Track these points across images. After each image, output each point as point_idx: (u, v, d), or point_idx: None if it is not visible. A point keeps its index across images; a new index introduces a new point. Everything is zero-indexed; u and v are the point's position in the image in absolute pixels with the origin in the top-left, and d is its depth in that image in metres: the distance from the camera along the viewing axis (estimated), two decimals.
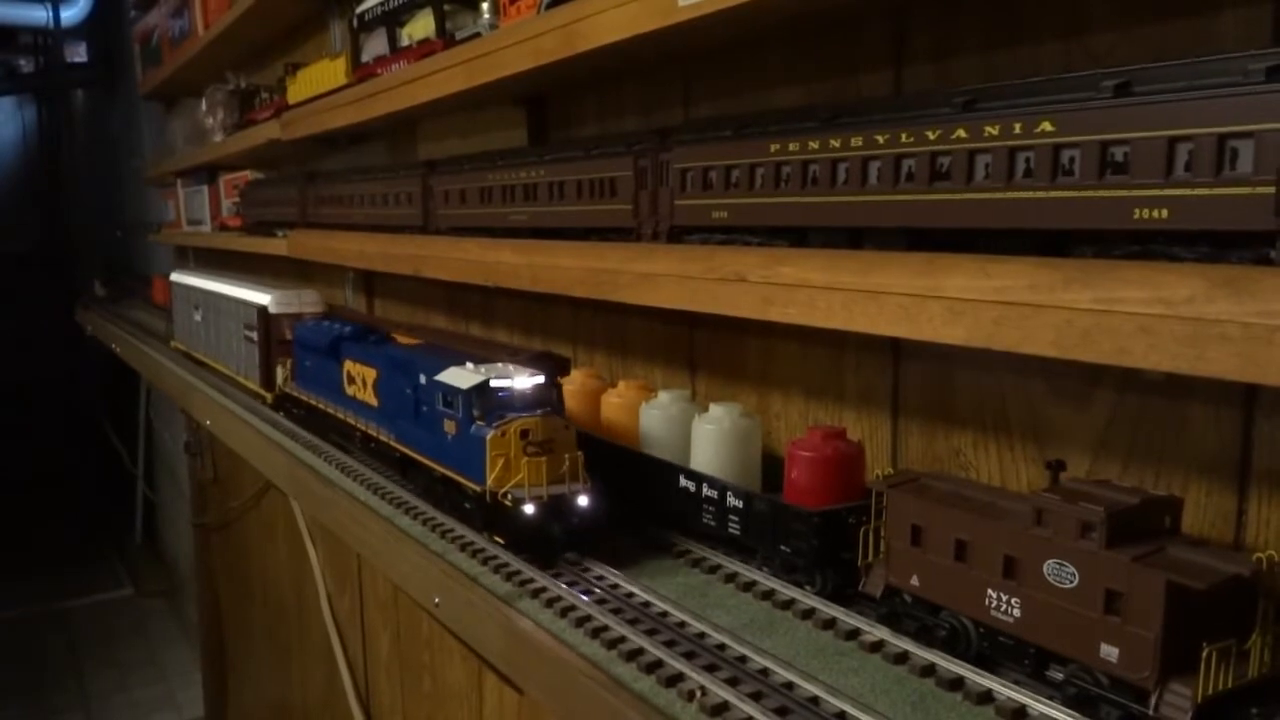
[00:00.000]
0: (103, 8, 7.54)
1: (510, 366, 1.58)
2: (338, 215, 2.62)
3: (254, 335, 2.69)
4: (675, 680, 1.09)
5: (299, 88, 2.88)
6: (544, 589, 1.36)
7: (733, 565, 1.39)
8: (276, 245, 3.08)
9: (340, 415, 2.10)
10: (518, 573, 1.42)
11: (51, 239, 8.19)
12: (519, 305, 2.35)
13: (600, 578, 1.40)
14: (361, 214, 2.46)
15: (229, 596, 4.41)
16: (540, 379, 1.52)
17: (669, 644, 1.17)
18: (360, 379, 1.99)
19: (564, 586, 1.36)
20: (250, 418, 2.61)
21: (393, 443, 1.83)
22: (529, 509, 1.40)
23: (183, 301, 3.61)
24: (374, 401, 1.93)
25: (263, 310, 2.63)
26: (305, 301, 2.67)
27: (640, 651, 1.16)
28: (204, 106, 3.95)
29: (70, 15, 7.63)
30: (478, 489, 1.48)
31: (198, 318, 3.39)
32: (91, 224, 7.99)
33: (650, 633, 1.21)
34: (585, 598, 1.32)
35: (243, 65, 3.96)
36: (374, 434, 1.92)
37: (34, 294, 8.00)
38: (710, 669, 1.11)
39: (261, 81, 3.68)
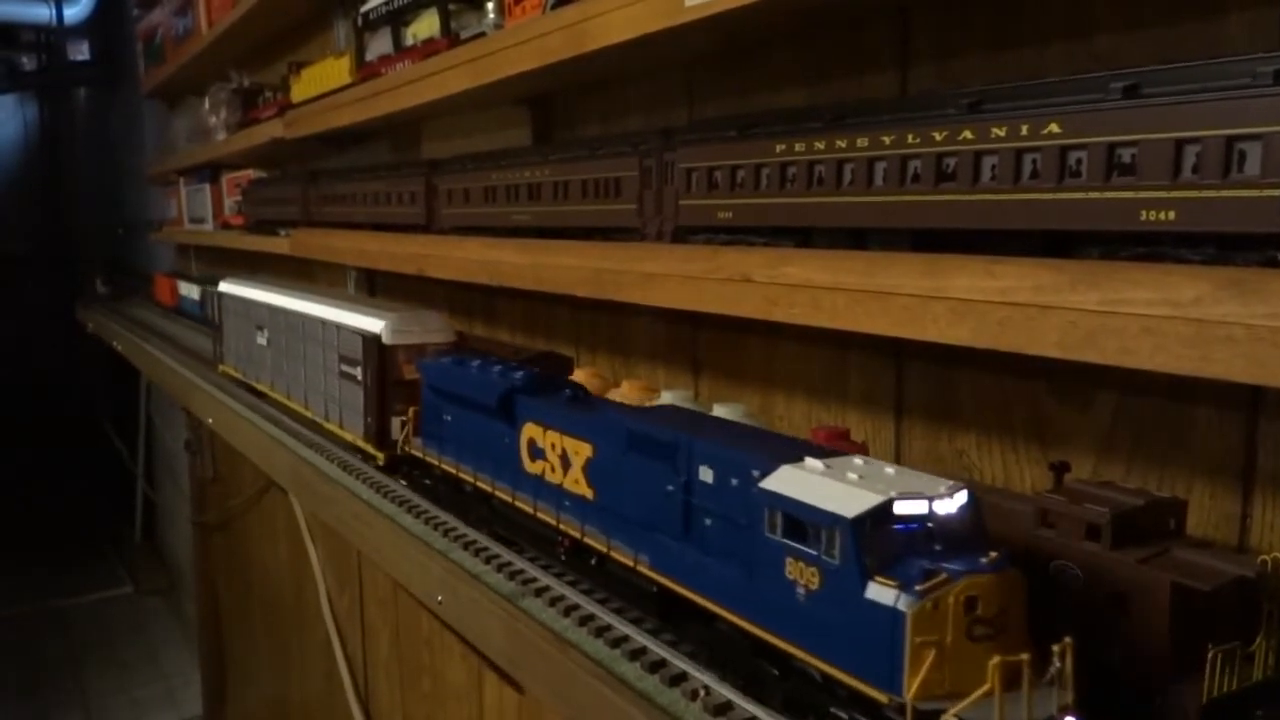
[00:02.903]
0: (106, 6, 7.54)
1: (892, 468, 0.96)
2: (341, 214, 2.62)
3: (356, 372, 2.01)
4: (679, 680, 1.09)
5: (303, 86, 2.88)
6: (547, 587, 1.36)
7: None
8: (279, 244, 3.08)
9: (520, 503, 1.45)
10: (521, 571, 1.42)
11: (53, 237, 8.19)
12: (522, 305, 2.35)
13: None
14: (364, 213, 2.47)
15: (229, 595, 4.41)
16: (964, 492, 0.90)
17: (673, 644, 1.17)
18: (556, 454, 1.36)
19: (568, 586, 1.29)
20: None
21: (642, 568, 1.18)
22: None
23: (238, 318, 2.90)
24: (586, 492, 1.29)
25: (372, 340, 1.93)
26: (430, 328, 1.98)
27: (644, 651, 1.16)
28: (207, 105, 3.95)
29: (73, 13, 7.64)
30: (882, 699, 0.86)
31: (261, 340, 2.67)
32: (93, 222, 7.99)
33: (654, 632, 1.21)
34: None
35: (246, 64, 3.97)
36: (601, 547, 1.26)
37: (35, 292, 8.00)
38: (713, 666, 1.11)
39: (265, 80, 3.68)
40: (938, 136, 0.99)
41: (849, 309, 1.04)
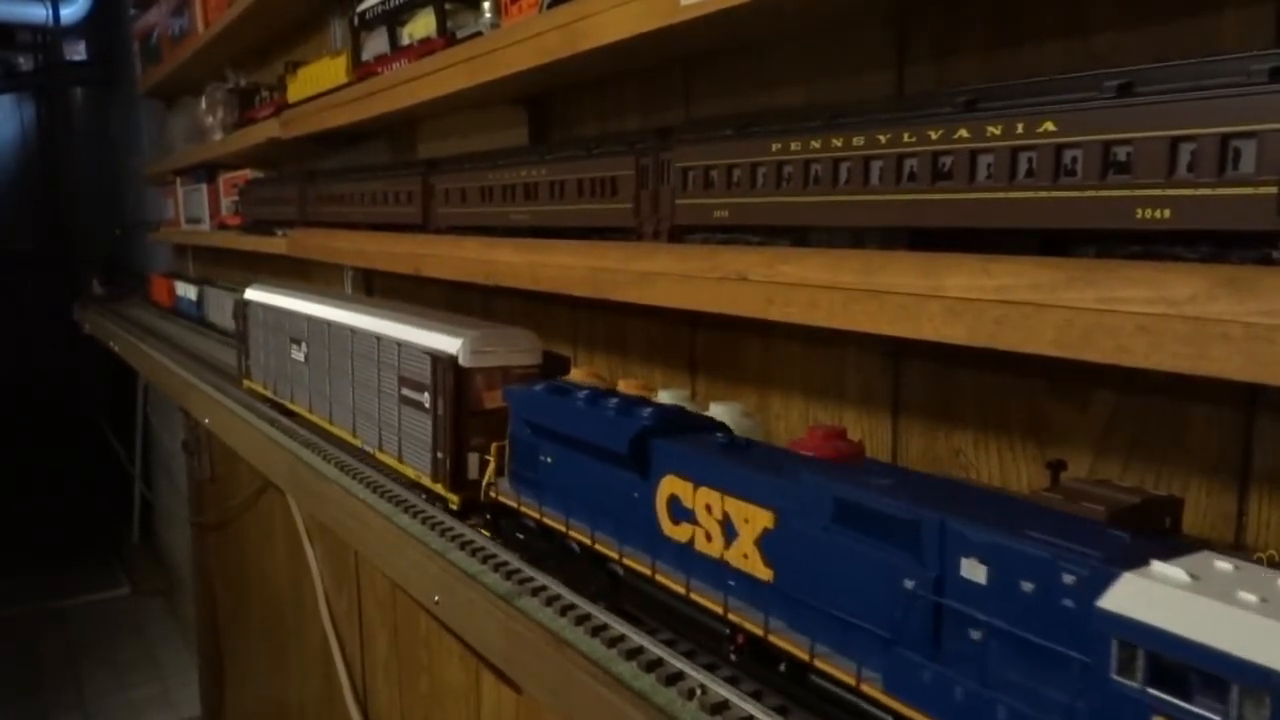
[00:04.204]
0: (102, 6, 7.53)
1: None
2: (338, 214, 2.62)
3: (423, 399, 1.72)
4: (675, 679, 1.09)
5: (299, 86, 2.88)
6: (544, 587, 1.36)
7: None
8: (276, 244, 3.08)
9: (663, 578, 1.15)
10: (517, 571, 1.42)
11: (50, 237, 8.19)
12: (519, 304, 2.35)
13: None
14: (361, 213, 2.46)
15: (226, 596, 4.41)
16: None
17: (669, 643, 1.17)
18: (713, 518, 1.08)
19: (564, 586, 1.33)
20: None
21: (871, 689, 0.88)
22: None
23: (268, 330, 2.60)
24: (761, 572, 1.02)
25: (447, 362, 1.65)
26: (515, 347, 1.70)
27: (640, 650, 1.16)
28: (204, 105, 3.95)
29: (70, 13, 7.63)
30: None
31: (297, 355, 2.38)
32: (90, 222, 7.98)
33: (651, 632, 1.21)
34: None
35: (243, 63, 3.96)
36: (800, 652, 0.96)
37: (32, 293, 8.00)
38: (710, 668, 1.11)
39: (261, 80, 3.68)
40: (933, 135, 0.99)
41: (845, 308, 1.04)
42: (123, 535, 7.43)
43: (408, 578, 1.64)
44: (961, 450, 1.36)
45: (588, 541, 1.28)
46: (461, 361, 1.65)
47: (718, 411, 1.49)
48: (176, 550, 6.06)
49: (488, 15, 1.86)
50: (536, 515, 1.40)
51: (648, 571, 1.17)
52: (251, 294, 2.76)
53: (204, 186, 4.23)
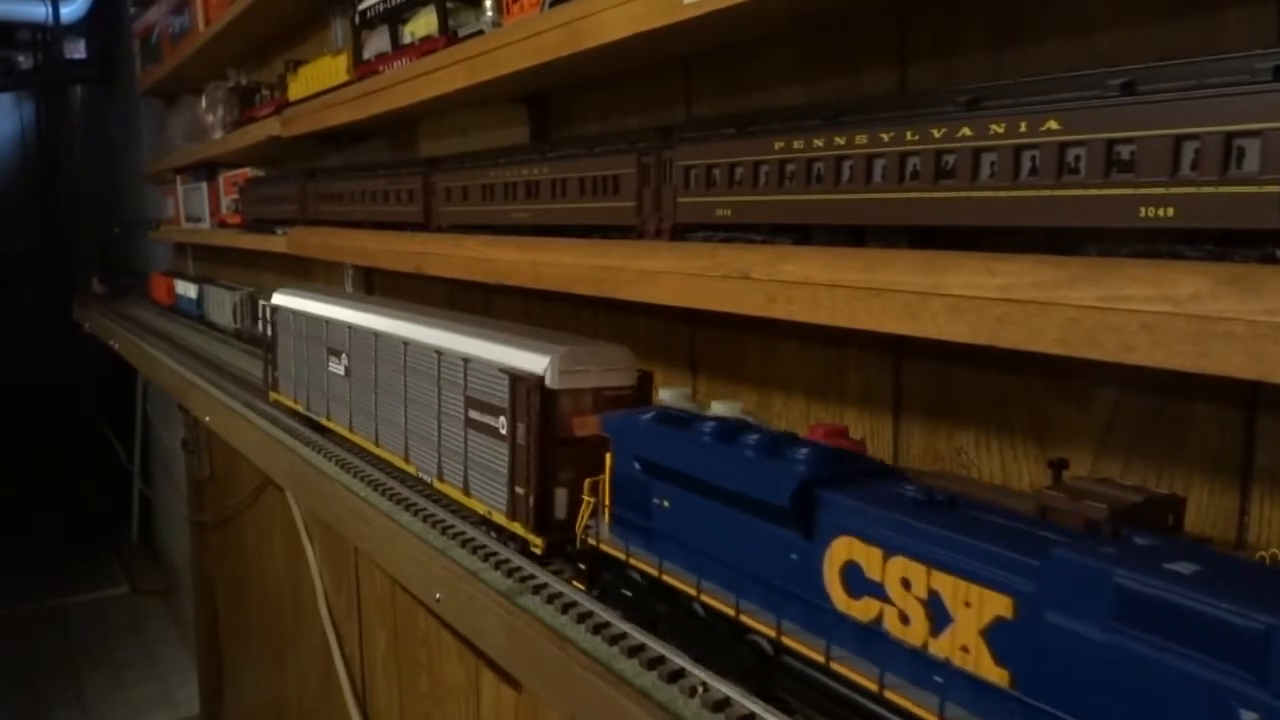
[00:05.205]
0: (102, 4, 7.53)
1: None
2: (338, 212, 2.62)
3: (498, 424, 1.50)
4: (677, 676, 1.09)
5: (300, 85, 2.88)
6: (545, 585, 1.36)
7: None
8: (276, 242, 3.08)
9: (842, 668, 0.92)
10: (519, 569, 1.42)
11: (50, 236, 8.19)
12: (520, 303, 2.35)
13: None
14: (362, 211, 2.46)
15: (225, 594, 4.40)
16: None
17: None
18: (913, 596, 0.86)
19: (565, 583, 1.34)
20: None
21: None
22: None
23: (301, 339, 2.35)
24: (991, 672, 0.80)
25: (532, 383, 1.42)
26: (609, 365, 1.47)
27: (642, 648, 1.16)
28: (204, 103, 3.95)
29: (70, 12, 7.62)
30: None
31: (336, 368, 2.16)
32: (90, 221, 7.98)
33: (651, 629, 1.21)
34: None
35: (243, 62, 3.96)
36: None
37: (32, 291, 8.00)
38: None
39: (262, 78, 3.68)
40: (936, 134, 0.99)
41: (847, 306, 1.04)
42: (122, 534, 7.43)
43: (408, 575, 1.64)
44: (963, 449, 1.36)
45: (730, 611, 1.05)
46: (549, 383, 1.41)
47: (718, 410, 1.49)
48: (176, 549, 6.05)
49: (489, 14, 1.86)
50: (653, 570, 1.17)
51: (819, 656, 0.94)
52: (281, 299, 2.50)
53: (204, 185, 4.23)
